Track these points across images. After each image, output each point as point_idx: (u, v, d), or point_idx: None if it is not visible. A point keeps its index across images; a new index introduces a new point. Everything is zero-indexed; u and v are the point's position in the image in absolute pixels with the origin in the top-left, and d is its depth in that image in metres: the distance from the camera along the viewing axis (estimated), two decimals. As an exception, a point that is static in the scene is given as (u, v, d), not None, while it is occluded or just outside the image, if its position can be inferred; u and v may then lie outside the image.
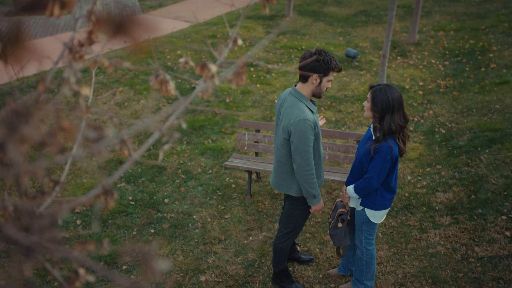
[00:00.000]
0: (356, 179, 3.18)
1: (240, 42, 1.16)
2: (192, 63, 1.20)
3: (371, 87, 3.00)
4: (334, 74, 2.97)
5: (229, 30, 1.09)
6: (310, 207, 3.22)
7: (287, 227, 3.39)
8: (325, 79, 2.96)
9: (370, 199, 3.14)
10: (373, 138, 3.04)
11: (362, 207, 3.21)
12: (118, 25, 0.51)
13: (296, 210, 3.28)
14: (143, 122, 0.80)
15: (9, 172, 0.57)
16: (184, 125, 1.06)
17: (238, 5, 11.88)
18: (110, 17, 0.51)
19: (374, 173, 2.97)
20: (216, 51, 1.12)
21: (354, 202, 3.29)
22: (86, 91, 0.94)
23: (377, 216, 3.19)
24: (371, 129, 3.08)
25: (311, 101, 3.07)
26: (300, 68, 2.91)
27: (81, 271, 0.92)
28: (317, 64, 2.88)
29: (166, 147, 1.10)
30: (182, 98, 1.00)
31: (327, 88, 3.02)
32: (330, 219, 3.40)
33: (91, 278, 0.94)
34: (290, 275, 3.65)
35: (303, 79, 2.97)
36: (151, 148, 5.73)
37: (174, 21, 10.73)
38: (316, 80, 2.94)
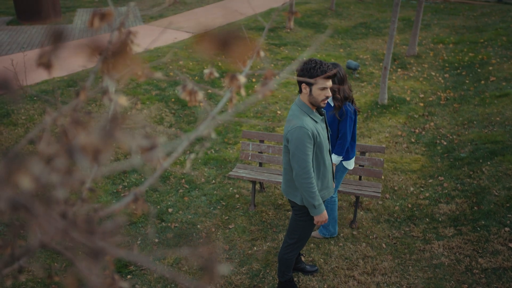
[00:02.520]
0: (332, 146, 3.94)
1: (262, 54, 1.19)
2: (216, 74, 1.23)
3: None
4: (327, 81, 2.95)
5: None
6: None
7: (292, 238, 3.38)
8: (314, 87, 2.90)
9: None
10: (332, 106, 3.88)
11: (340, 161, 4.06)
12: (224, 41, 0.53)
13: (300, 220, 3.27)
14: (184, 137, 0.83)
15: (71, 179, 0.59)
16: (213, 135, 1.09)
17: (245, 13, 11.98)
18: (218, 34, 0.54)
19: (346, 130, 3.78)
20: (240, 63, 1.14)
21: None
22: (123, 101, 0.97)
23: (350, 164, 4.09)
24: (329, 101, 3.92)
25: (317, 110, 3.09)
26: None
27: (116, 276, 0.94)
28: (302, 74, 2.90)
29: (193, 156, 1.12)
30: (209, 109, 1.03)
31: (326, 97, 2.93)
32: None
33: (125, 285, 0.96)
34: (296, 286, 3.65)
35: (299, 89, 3.03)
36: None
37: (175, 32, 10.81)
38: (305, 89, 2.96)
